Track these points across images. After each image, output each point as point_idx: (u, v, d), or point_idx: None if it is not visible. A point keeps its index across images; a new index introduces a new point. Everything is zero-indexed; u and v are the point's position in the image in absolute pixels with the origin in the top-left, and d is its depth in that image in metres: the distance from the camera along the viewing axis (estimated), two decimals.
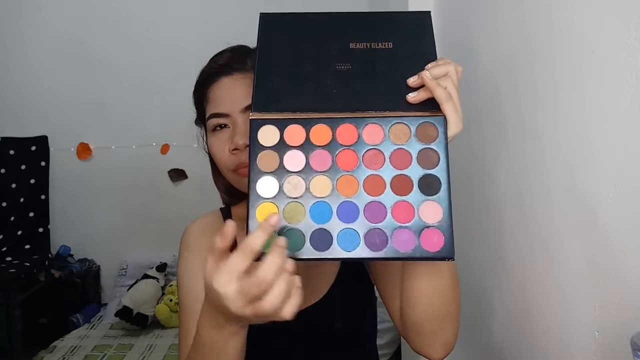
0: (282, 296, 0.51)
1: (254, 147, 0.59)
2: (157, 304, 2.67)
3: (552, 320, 0.81)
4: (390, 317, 0.82)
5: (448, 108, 0.59)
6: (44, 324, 2.62)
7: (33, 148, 2.95)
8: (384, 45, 0.65)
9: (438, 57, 0.63)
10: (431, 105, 0.59)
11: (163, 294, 2.74)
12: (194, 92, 0.84)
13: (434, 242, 0.56)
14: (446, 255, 0.55)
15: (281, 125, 0.60)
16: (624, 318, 0.63)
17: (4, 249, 2.75)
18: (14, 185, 2.91)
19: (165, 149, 3.01)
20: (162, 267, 2.83)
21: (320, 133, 0.59)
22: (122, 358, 2.38)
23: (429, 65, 0.61)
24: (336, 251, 0.56)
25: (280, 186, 0.58)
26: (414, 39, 0.65)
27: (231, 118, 0.77)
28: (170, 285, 2.76)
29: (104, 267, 3.06)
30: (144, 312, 2.62)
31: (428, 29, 0.66)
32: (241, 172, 0.77)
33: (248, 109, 0.75)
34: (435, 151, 0.58)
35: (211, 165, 0.90)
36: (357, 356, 0.86)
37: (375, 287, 0.86)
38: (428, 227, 0.56)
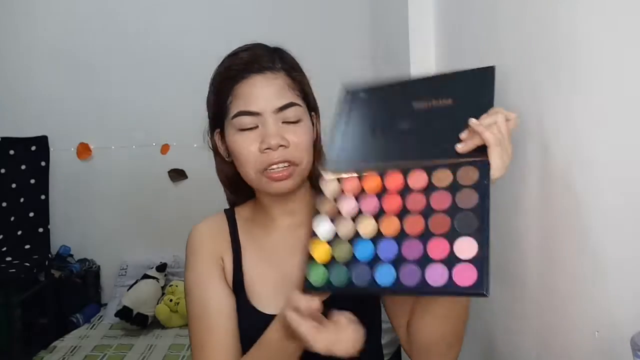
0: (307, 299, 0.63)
1: (319, 197, 0.71)
2: (157, 304, 2.67)
3: (552, 320, 0.81)
4: (396, 333, 0.84)
5: (494, 152, 0.62)
6: (44, 324, 2.62)
7: (33, 148, 2.95)
8: (444, 103, 0.69)
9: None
10: (477, 154, 0.63)
11: (163, 294, 2.74)
12: (215, 86, 0.82)
13: (467, 277, 0.57)
14: (478, 290, 0.56)
15: (341, 177, 0.70)
16: (624, 318, 0.63)
17: (4, 249, 2.75)
18: (14, 185, 2.91)
19: (165, 149, 3.01)
20: (162, 267, 2.82)
21: (372, 182, 0.67)
22: (122, 358, 2.38)
23: (483, 116, 0.65)
24: (373, 285, 0.61)
25: (333, 227, 0.67)
26: (473, 93, 0.69)
27: (262, 117, 0.77)
28: (170, 286, 2.76)
29: (104, 267, 3.06)
30: (144, 312, 2.62)
31: (489, 83, 0.69)
32: (271, 174, 0.77)
33: (280, 109, 0.77)
34: (475, 191, 0.62)
35: (216, 161, 0.89)
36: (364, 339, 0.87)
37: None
38: (461, 261, 0.58)
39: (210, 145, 0.89)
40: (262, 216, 0.88)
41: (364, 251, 0.63)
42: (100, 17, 2.96)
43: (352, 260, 0.64)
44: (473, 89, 0.69)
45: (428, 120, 0.68)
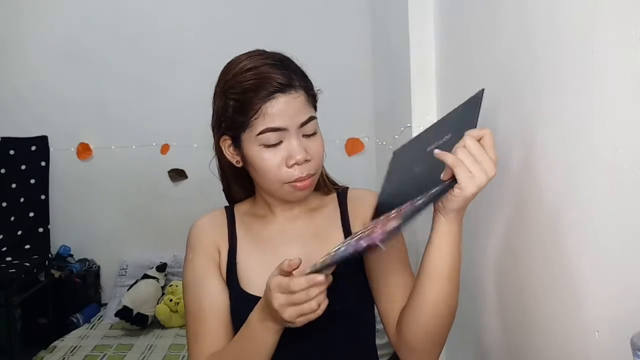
0: (302, 280, 0.69)
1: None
2: (157, 304, 2.67)
3: (552, 320, 0.81)
4: (385, 330, 0.90)
5: (456, 172, 0.69)
6: (44, 324, 2.62)
7: (33, 148, 2.95)
8: (446, 138, 0.76)
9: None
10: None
11: (163, 294, 2.74)
12: (235, 99, 0.84)
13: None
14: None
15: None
16: (624, 318, 0.63)
17: (4, 249, 2.75)
18: (14, 185, 2.91)
19: (165, 149, 3.01)
20: (162, 267, 2.82)
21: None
22: (122, 358, 2.38)
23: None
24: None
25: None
26: (462, 123, 0.75)
27: (288, 132, 0.83)
28: (170, 285, 2.76)
29: (104, 267, 3.06)
30: (144, 312, 2.62)
31: (475, 108, 0.74)
32: (297, 185, 0.84)
33: (304, 124, 0.84)
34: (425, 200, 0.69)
35: (221, 164, 0.94)
36: (357, 338, 0.91)
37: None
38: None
39: (214, 148, 0.93)
40: (261, 210, 0.95)
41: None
42: (101, 17, 2.96)
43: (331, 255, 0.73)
44: (463, 119, 0.76)
45: (432, 158, 0.74)
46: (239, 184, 0.96)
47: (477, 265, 1.09)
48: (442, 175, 0.72)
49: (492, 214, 1.01)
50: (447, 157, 0.70)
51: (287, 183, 0.84)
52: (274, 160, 0.83)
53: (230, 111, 0.84)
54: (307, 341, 0.82)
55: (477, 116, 0.73)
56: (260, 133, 0.82)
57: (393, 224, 0.65)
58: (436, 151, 0.71)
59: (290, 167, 0.83)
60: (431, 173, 0.74)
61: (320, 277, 0.69)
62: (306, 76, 0.88)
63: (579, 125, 0.71)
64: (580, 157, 0.71)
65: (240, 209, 0.97)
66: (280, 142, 0.83)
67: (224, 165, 0.94)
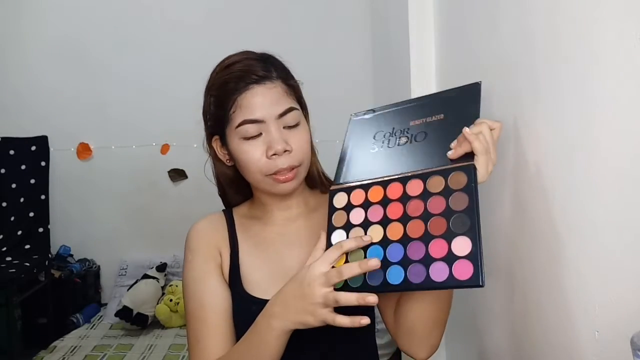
0: (353, 297, 0.68)
1: (330, 209, 0.79)
2: (157, 304, 2.67)
3: (552, 320, 0.81)
4: (382, 317, 0.89)
5: (480, 159, 0.70)
6: (44, 324, 2.62)
7: (33, 148, 2.95)
8: (437, 118, 0.78)
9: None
10: (465, 160, 0.71)
11: (163, 294, 2.74)
12: (215, 97, 0.85)
13: (465, 271, 0.65)
14: (475, 282, 0.64)
15: (348, 191, 0.78)
16: (624, 318, 0.63)
17: (4, 249, 2.75)
18: (14, 185, 2.91)
19: (165, 149, 3.01)
20: (162, 267, 2.83)
21: (375, 193, 0.76)
22: (122, 358, 2.38)
23: (470, 127, 0.72)
24: (387, 285, 0.69)
25: (347, 236, 0.75)
26: (462, 107, 0.76)
27: (266, 124, 0.82)
28: (170, 285, 2.76)
29: (104, 267, 3.06)
30: (144, 312, 2.62)
31: (475, 97, 0.77)
32: (279, 177, 0.83)
33: (281, 115, 0.83)
34: (465, 194, 0.69)
35: (215, 165, 0.93)
36: (357, 338, 0.90)
37: None
38: (458, 258, 0.66)
39: (208, 151, 0.93)
40: (259, 211, 0.94)
41: (375, 255, 0.71)
42: (101, 17, 2.96)
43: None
44: (462, 104, 0.77)
45: (423, 134, 0.76)
46: (234, 189, 0.95)
47: None
48: (450, 154, 0.72)
49: (492, 214, 1.01)
50: (476, 143, 0.69)
51: (268, 175, 0.83)
52: (255, 153, 0.82)
53: (212, 108, 0.86)
54: (307, 343, 0.82)
55: (479, 106, 0.75)
56: (239, 125, 0.82)
57: (467, 248, 0.65)
58: (466, 130, 0.70)
59: (270, 158, 0.82)
60: (419, 146, 0.75)
61: (372, 298, 0.68)
62: (286, 69, 0.87)
63: (579, 125, 0.71)
64: (580, 157, 0.71)
65: (238, 212, 0.96)
66: (260, 134, 0.82)
67: (218, 172, 0.94)
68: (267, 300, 0.79)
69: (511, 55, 0.90)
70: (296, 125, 0.84)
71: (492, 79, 0.99)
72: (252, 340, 0.77)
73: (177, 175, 3.04)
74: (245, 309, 0.84)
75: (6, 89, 2.99)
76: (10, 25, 2.97)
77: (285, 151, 0.82)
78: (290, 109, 0.83)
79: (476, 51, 1.07)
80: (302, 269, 0.73)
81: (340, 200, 0.79)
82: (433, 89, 1.34)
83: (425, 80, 1.35)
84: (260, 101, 0.81)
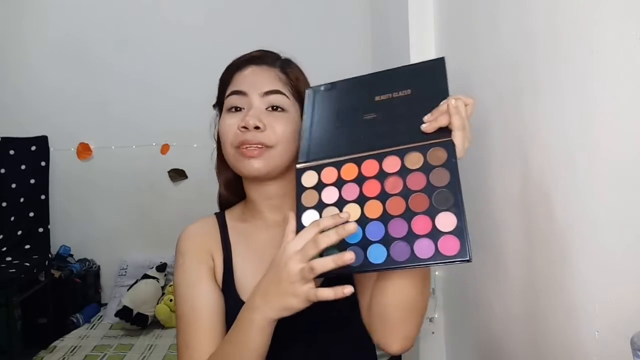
0: (329, 261, 0.63)
1: (299, 188, 0.73)
2: (157, 304, 2.67)
3: (552, 320, 0.81)
4: (362, 316, 0.82)
5: (458, 136, 0.67)
6: (44, 324, 2.62)
7: (33, 148, 2.95)
8: (404, 93, 0.75)
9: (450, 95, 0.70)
10: (440, 134, 0.68)
11: (163, 294, 2.74)
12: (223, 76, 0.89)
13: (451, 247, 0.63)
14: (463, 257, 0.62)
15: (318, 169, 0.73)
16: (624, 318, 0.63)
17: (4, 249, 2.75)
18: (14, 185, 2.91)
19: (165, 149, 3.01)
20: (162, 267, 2.82)
21: (349, 170, 0.72)
22: (122, 358, 2.38)
23: (444, 101, 0.69)
24: (368, 264, 0.65)
25: (320, 216, 0.70)
26: (430, 83, 0.74)
27: (248, 98, 0.82)
28: (170, 285, 2.76)
29: (104, 267, 3.06)
30: (144, 312, 2.62)
31: (442, 72, 0.74)
32: (243, 151, 0.81)
33: (266, 94, 0.82)
34: (446, 169, 0.67)
35: (217, 154, 0.92)
36: (354, 343, 0.86)
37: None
38: (444, 234, 0.64)
39: (215, 138, 0.92)
40: (251, 214, 0.91)
41: (353, 235, 0.66)
42: (102, 17, 2.96)
43: (344, 245, 0.67)
44: (429, 79, 0.75)
45: (390, 110, 0.74)
46: (231, 191, 0.93)
47: (477, 266, 1.09)
48: (425, 127, 0.69)
49: (491, 214, 1.01)
50: (454, 117, 0.67)
51: (237, 148, 0.81)
52: (230, 124, 0.82)
53: (219, 89, 0.89)
54: (304, 349, 0.81)
55: (447, 81, 0.73)
56: (227, 97, 0.84)
57: (451, 224, 0.63)
58: (451, 102, 0.67)
59: (240, 129, 0.80)
60: (388, 122, 0.73)
61: (349, 255, 0.63)
62: (297, 68, 0.88)
63: (579, 125, 0.71)
64: (580, 156, 0.71)
65: (231, 215, 0.93)
66: (243, 109, 0.83)
67: (217, 168, 0.93)
68: None
69: (511, 55, 0.90)
70: (281, 111, 0.83)
71: (492, 78, 0.99)
72: (236, 337, 0.73)
73: (177, 175, 3.04)
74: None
75: (6, 88, 2.99)
76: (10, 24, 2.97)
77: (257, 128, 0.80)
78: (278, 92, 0.83)
79: (476, 51, 1.07)
80: (277, 254, 0.69)
81: (309, 179, 0.74)
82: None
83: None
84: (250, 76, 0.84)
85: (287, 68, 0.87)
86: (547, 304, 0.82)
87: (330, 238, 0.64)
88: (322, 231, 0.66)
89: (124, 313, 2.59)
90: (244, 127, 0.80)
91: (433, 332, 1.41)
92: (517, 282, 0.93)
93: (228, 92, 0.84)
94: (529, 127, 0.85)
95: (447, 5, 1.24)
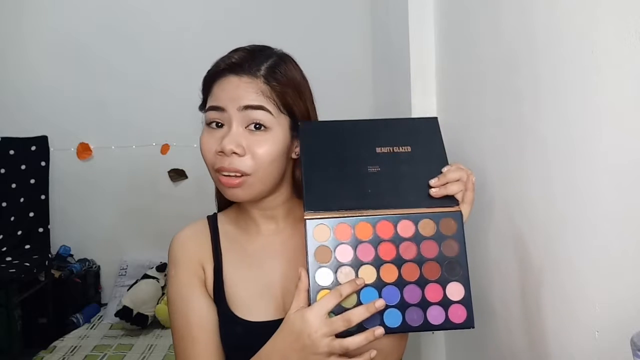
0: (361, 339, 0.67)
1: (310, 242, 0.72)
2: (157, 304, 2.67)
3: (552, 320, 0.81)
4: None
5: (468, 208, 0.75)
6: (44, 324, 2.62)
7: (33, 148, 2.95)
8: (404, 149, 0.78)
9: (449, 161, 0.77)
10: (447, 201, 0.74)
11: (163, 294, 2.74)
12: (203, 81, 0.84)
13: (459, 315, 0.70)
14: (469, 325, 0.70)
15: (331, 224, 0.73)
16: (624, 318, 0.63)
17: (4, 249, 2.75)
18: (14, 185, 2.91)
19: (165, 149, 3.01)
20: (162, 267, 2.82)
21: (364, 230, 0.73)
22: (122, 358, 2.38)
23: (446, 168, 0.75)
24: (384, 328, 0.69)
25: (335, 276, 0.71)
26: (427, 142, 0.79)
27: (227, 114, 0.77)
28: None
29: (104, 267, 3.06)
30: (144, 312, 2.62)
31: (437, 133, 0.80)
32: (222, 179, 0.77)
33: (245, 108, 0.77)
34: (456, 241, 0.73)
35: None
36: None
37: None
38: (453, 303, 0.71)
39: None
40: (245, 220, 0.88)
41: (369, 298, 0.70)
42: (101, 17, 2.96)
43: (357, 304, 0.70)
44: (426, 138, 0.80)
45: (392, 165, 0.77)
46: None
47: (477, 267, 1.09)
48: (433, 192, 0.74)
49: (492, 214, 1.01)
50: (471, 194, 0.75)
51: (216, 171, 0.78)
52: (210, 144, 0.78)
53: (202, 94, 0.84)
54: None
55: (443, 142, 0.79)
56: (206, 111, 0.80)
57: (458, 294, 0.71)
58: (472, 179, 0.75)
59: (218, 154, 0.77)
60: (393, 178, 0.76)
61: (380, 330, 0.68)
62: (287, 73, 0.81)
63: (580, 124, 0.71)
64: (580, 156, 0.71)
65: (224, 219, 0.90)
66: (223, 125, 0.78)
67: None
68: (251, 322, 0.79)
69: (512, 55, 0.90)
70: (263, 129, 0.77)
71: (493, 78, 0.99)
72: None
73: (177, 175, 3.04)
74: (230, 330, 0.81)
75: (6, 88, 2.99)
76: (10, 24, 2.97)
77: (234, 153, 0.76)
78: (259, 107, 0.76)
79: (476, 51, 1.07)
80: (291, 316, 0.69)
81: (321, 234, 0.73)
82: (433, 89, 1.34)
83: (425, 80, 1.35)
84: (229, 90, 0.77)
85: (273, 76, 0.79)
86: (547, 304, 0.82)
87: (361, 315, 0.67)
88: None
89: (124, 313, 2.59)
90: (221, 152, 0.76)
91: (433, 332, 1.41)
92: (517, 282, 0.93)
93: (207, 105, 0.80)
94: (528, 126, 0.85)
95: (447, 5, 1.24)
